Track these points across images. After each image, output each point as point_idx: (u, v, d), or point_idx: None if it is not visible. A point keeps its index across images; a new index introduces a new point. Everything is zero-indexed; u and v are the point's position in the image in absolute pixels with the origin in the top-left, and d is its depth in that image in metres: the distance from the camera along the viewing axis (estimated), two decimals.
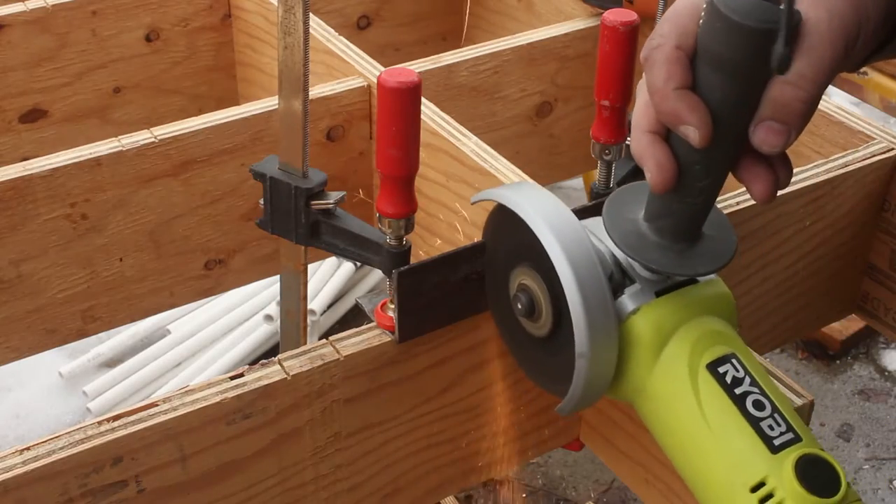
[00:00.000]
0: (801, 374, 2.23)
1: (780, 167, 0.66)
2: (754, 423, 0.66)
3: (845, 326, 2.25)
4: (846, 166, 1.05)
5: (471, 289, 0.83)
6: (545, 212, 0.72)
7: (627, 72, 0.94)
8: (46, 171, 1.04)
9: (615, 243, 0.71)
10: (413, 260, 0.85)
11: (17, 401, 2.13)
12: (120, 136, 1.08)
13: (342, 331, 0.83)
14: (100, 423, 0.74)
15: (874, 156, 1.07)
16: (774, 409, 0.67)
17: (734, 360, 0.69)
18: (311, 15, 0.93)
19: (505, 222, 0.77)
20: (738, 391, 0.68)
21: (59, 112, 1.38)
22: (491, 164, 1.02)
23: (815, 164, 1.05)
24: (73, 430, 0.74)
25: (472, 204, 0.80)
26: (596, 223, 0.74)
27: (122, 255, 1.12)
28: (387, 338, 0.83)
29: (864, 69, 1.42)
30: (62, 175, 1.04)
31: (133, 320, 1.20)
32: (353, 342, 0.82)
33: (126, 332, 2.20)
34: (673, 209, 0.69)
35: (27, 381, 2.16)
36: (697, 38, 0.62)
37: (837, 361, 2.26)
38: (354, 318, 2.30)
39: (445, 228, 1.10)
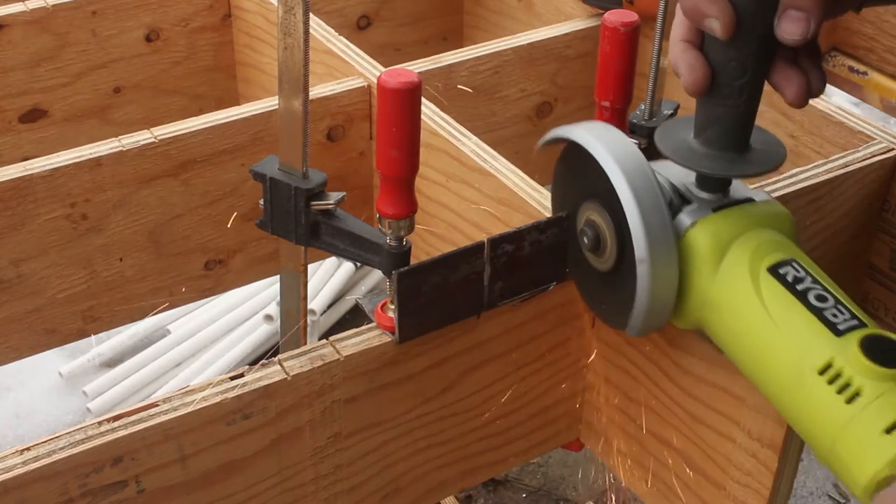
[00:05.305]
0: None
1: (812, 73, 0.70)
2: (817, 312, 0.68)
3: None
4: (846, 166, 1.05)
5: (470, 289, 0.83)
6: (605, 140, 0.76)
7: (628, 72, 0.94)
8: (46, 171, 1.04)
9: (667, 156, 0.74)
10: (413, 260, 0.85)
11: (17, 401, 2.13)
12: (120, 136, 1.08)
13: (342, 331, 0.83)
14: (100, 423, 0.74)
15: (874, 156, 1.07)
16: (837, 301, 0.69)
17: (794, 264, 0.71)
18: (311, 15, 0.93)
19: (573, 162, 0.80)
20: (799, 287, 0.70)
21: (59, 112, 1.38)
22: (491, 164, 1.02)
23: (815, 164, 1.05)
24: (73, 430, 0.74)
25: (541, 146, 0.82)
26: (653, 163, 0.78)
27: (122, 255, 1.12)
28: (387, 338, 0.82)
29: (864, 69, 1.42)
30: (62, 175, 1.04)
31: (133, 320, 1.19)
32: (353, 342, 0.82)
33: (126, 332, 2.19)
34: (717, 115, 0.72)
35: (27, 381, 2.16)
36: None
37: None
38: (354, 318, 2.30)
39: (445, 228, 1.10)
